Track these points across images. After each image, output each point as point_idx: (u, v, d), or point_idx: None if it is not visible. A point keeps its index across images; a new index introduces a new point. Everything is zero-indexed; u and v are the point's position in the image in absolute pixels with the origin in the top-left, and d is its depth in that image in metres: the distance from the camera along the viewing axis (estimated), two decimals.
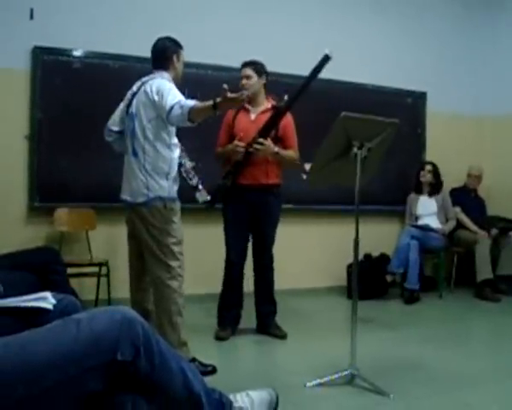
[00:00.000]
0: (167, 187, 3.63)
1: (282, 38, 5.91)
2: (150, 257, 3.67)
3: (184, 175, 3.83)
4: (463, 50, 7.13)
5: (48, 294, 2.20)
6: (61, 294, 2.35)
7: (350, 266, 6.03)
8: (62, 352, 1.71)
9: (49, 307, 2.16)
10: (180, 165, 3.79)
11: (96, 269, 5.05)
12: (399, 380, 3.55)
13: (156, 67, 3.77)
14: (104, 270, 5.04)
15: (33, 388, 1.66)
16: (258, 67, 4.46)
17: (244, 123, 4.43)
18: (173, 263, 3.64)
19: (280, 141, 4.42)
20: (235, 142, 4.30)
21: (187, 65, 5.04)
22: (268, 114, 4.44)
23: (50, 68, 5.09)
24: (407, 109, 6.77)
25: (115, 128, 3.86)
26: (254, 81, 4.42)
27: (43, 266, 3.84)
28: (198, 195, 3.90)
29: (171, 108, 3.40)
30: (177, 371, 1.90)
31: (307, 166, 3.54)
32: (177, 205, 3.72)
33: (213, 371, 3.65)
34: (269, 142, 4.29)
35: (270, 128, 4.32)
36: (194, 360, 3.64)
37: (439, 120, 6.89)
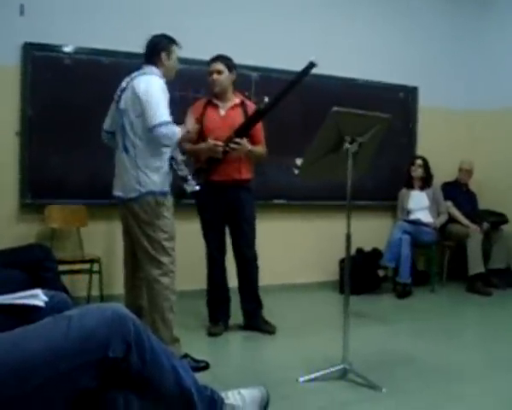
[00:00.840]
0: (159, 182, 3.63)
1: (269, 34, 5.90)
2: (142, 253, 3.67)
3: (175, 167, 3.81)
4: (455, 45, 7.14)
5: (39, 291, 2.20)
6: (53, 291, 2.34)
7: (342, 261, 6.03)
8: (53, 349, 1.70)
9: (41, 304, 2.15)
10: (171, 158, 3.78)
11: (87, 266, 5.03)
12: (392, 374, 3.57)
13: (146, 61, 3.77)
14: (96, 267, 5.03)
15: (25, 385, 1.66)
16: (228, 61, 4.43)
17: (214, 119, 4.40)
18: (164, 259, 3.63)
19: (248, 137, 4.38)
20: (213, 141, 4.22)
21: (181, 61, 5.06)
22: (237, 110, 4.45)
23: (41, 64, 5.06)
24: (398, 104, 6.78)
25: (108, 129, 3.89)
26: (225, 76, 4.39)
27: (34, 264, 3.83)
28: (186, 185, 3.84)
29: (158, 126, 3.45)
30: (168, 367, 1.90)
31: (299, 162, 3.55)
32: (169, 200, 3.72)
33: (206, 366, 3.66)
34: (244, 141, 4.28)
35: (247, 128, 4.30)
36: (186, 356, 3.64)
37: (431, 114, 6.90)
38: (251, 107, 4.50)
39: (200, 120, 4.38)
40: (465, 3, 7.17)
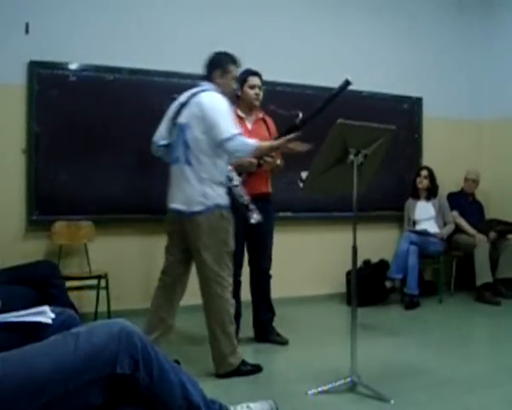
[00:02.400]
0: (223, 195, 3.68)
1: (274, 45, 5.92)
2: (203, 267, 3.69)
3: (233, 190, 3.87)
4: (459, 55, 7.15)
5: (46, 308, 2.20)
6: (60, 308, 2.34)
7: (349, 273, 6.01)
8: (62, 366, 1.71)
9: (48, 321, 2.15)
10: (229, 179, 3.84)
11: (95, 282, 5.03)
12: (401, 386, 3.55)
13: (204, 78, 3.85)
14: (103, 282, 5.03)
15: (33, 403, 1.66)
16: (262, 79, 4.51)
17: (243, 132, 4.43)
18: (225, 274, 3.70)
19: None
20: (246, 159, 4.15)
21: (181, 75, 5.09)
22: (261, 124, 4.54)
23: (46, 82, 5.10)
24: (403, 115, 6.78)
25: (163, 142, 3.88)
26: (262, 92, 4.49)
27: (41, 280, 3.85)
28: (250, 214, 3.91)
29: (228, 139, 3.52)
30: (176, 382, 1.89)
31: (304, 175, 3.55)
32: (230, 214, 3.75)
33: (259, 369, 3.82)
34: (275, 155, 4.33)
35: None
36: (243, 362, 3.76)
37: (436, 124, 6.90)
38: (270, 122, 4.59)
39: None
40: (469, 14, 7.18)
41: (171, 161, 3.83)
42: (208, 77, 3.84)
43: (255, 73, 4.50)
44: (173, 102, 3.90)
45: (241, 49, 5.56)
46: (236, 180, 3.96)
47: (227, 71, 3.84)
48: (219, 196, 3.65)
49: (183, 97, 3.81)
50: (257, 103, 4.49)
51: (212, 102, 3.64)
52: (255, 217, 3.92)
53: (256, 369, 3.82)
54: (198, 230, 3.63)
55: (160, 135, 3.91)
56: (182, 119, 3.73)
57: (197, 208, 3.61)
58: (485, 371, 3.95)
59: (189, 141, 3.66)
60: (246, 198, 3.94)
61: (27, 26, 5.04)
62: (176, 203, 3.74)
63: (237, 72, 3.95)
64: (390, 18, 6.74)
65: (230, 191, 3.84)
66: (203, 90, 3.74)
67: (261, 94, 4.48)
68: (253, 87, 4.46)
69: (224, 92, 3.79)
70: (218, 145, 3.58)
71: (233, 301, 3.77)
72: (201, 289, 3.77)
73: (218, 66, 3.83)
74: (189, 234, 3.70)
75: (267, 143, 3.90)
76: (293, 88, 6.00)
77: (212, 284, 3.67)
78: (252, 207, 3.93)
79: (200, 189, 3.61)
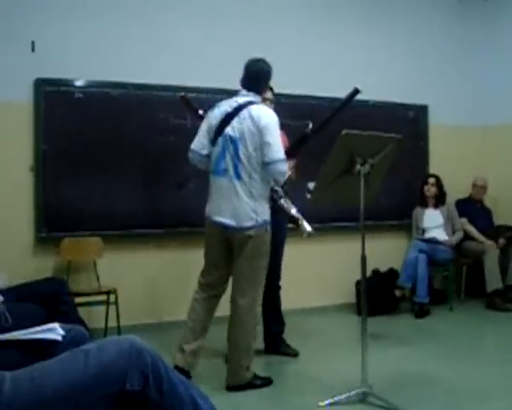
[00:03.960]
0: (269, 210, 3.72)
1: (278, 56, 5.92)
2: (243, 280, 3.71)
3: (280, 204, 3.90)
4: (463, 61, 7.14)
5: (56, 325, 2.20)
6: (70, 324, 2.35)
7: (358, 283, 5.99)
8: (72, 383, 1.70)
9: (58, 338, 2.16)
10: (272, 191, 3.85)
11: (104, 297, 5.03)
12: (413, 396, 3.53)
13: (250, 88, 3.77)
14: (112, 298, 5.03)
15: None
16: (272, 90, 4.50)
17: None
18: (260, 289, 3.74)
19: None
20: None
21: (187, 89, 5.08)
22: None
23: (53, 99, 5.13)
24: (409, 123, 6.77)
25: (205, 152, 3.82)
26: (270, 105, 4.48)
27: (50, 297, 3.85)
28: (302, 228, 3.88)
29: (278, 161, 3.56)
30: (186, 398, 1.88)
31: (311, 185, 3.56)
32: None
33: (270, 382, 3.83)
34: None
35: (292, 153, 4.34)
36: (255, 376, 3.77)
37: (442, 132, 6.88)
38: (283, 134, 4.56)
39: None
40: (473, 21, 7.18)
41: (214, 172, 3.76)
42: (256, 87, 3.78)
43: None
44: (213, 110, 3.83)
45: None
46: (281, 192, 3.96)
47: (269, 83, 3.89)
48: (266, 212, 3.68)
49: (226, 106, 3.73)
50: None
51: (267, 120, 3.62)
52: (308, 230, 3.88)
53: (266, 382, 3.82)
54: (247, 244, 3.64)
55: (201, 145, 3.83)
56: (232, 131, 3.66)
57: (248, 224, 3.62)
58: (498, 379, 3.93)
59: (241, 155, 3.61)
60: (293, 209, 3.94)
61: (33, 44, 5.08)
62: (222, 217, 3.70)
63: None
64: (394, 27, 6.75)
65: (277, 205, 3.88)
66: (251, 102, 3.68)
67: (271, 107, 4.46)
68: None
69: (265, 103, 3.83)
70: (265, 164, 3.59)
71: (259, 319, 3.81)
72: (234, 300, 3.76)
73: (269, 77, 3.85)
74: (236, 247, 3.70)
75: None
76: (298, 99, 5.99)
77: (248, 297, 3.69)
78: (302, 218, 3.91)
79: (251, 204, 3.61)
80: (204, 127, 3.84)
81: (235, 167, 3.62)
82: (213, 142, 3.74)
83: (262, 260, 3.71)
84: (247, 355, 3.70)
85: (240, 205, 3.62)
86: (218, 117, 3.74)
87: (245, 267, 3.67)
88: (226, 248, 3.77)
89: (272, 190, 3.85)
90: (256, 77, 3.80)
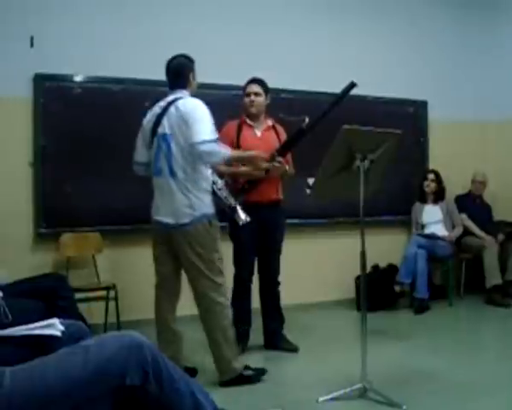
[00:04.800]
0: (209, 204, 3.70)
1: (277, 52, 5.93)
2: (198, 276, 3.70)
3: (219, 194, 3.90)
4: (463, 57, 7.13)
5: (56, 321, 2.20)
6: (69, 320, 2.35)
7: (358, 279, 6.00)
8: (72, 379, 1.71)
9: (58, 333, 2.16)
10: (212, 182, 3.85)
11: (104, 293, 5.03)
12: (412, 391, 3.53)
13: (175, 86, 3.80)
14: (112, 293, 5.03)
15: None
16: (265, 85, 4.52)
17: (252, 139, 4.43)
18: (220, 279, 3.71)
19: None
20: (260, 153, 4.11)
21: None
22: (271, 132, 4.53)
23: (52, 95, 5.12)
24: (408, 119, 6.76)
25: (144, 160, 3.87)
26: (262, 99, 4.46)
27: (50, 293, 3.85)
28: (236, 217, 3.94)
29: (201, 143, 3.49)
30: (186, 393, 1.89)
31: (310, 181, 3.55)
32: (217, 221, 3.78)
33: (264, 372, 3.84)
34: (283, 161, 4.34)
35: (289, 148, 4.37)
36: (247, 367, 3.78)
37: (441, 127, 6.88)
38: (280, 130, 4.57)
39: (235, 142, 4.41)
40: (474, 16, 7.16)
41: (153, 173, 3.79)
42: (182, 83, 3.79)
43: (252, 81, 4.52)
44: (147, 114, 3.87)
45: (246, 58, 5.65)
46: (220, 183, 3.98)
47: (194, 72, 3.86)
48: (205, 205, 3.66)
49: (157, 108, 3.79)
50: (252, 110, 4.47)
51: (193, 107, 3.61)
52: (242, 218, 3.95)
53: (260, 373, 3.83)
54: (188, 241, 3.64)
55: (140, 154, 3.89)
56: (162, 129, 3.69)
57: (185, 220, 3.62)
58: (498, 374, 3.93)
59: (173, 151, 3.63)
60: (231, 200, 3.96)
61: (32, 39, 5.07)
62: (162, 216, 3.74)
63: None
64: (394, 22, 6.74)
65: (216, 195, 3.88)
66: (180, 98, 3.70)
67: (258, 100, 4.46)
68: (248, 95, 4.48)
69: (194, 96, 3.79)
70: (190, 146, 3.55)
71: (229, 306, 3.81)
72: (197, 299, 3.77)
73: (191, 69, 3.84)
74: (179, 245, 3.70)
75: (238, 153, 3.97)
76: (297, 94, 5.99)
77: (209, 291, 3.68)
78: (238, 208, 3.96)
79: (185, 200, 3.61)
80: (140, 136, 3.90)
81: (169, 165, 3.64)
82: (150, 145, 3.78)
83: (212, 253, 3.68)
84: (229, 346, 3.70)
85: (176, 202, 3.64)
86: (150, 120, 3.80)
87: (197, 263, 3.66)
88: (170, 245, 3.77)
89: (213, 183, 3.87)
90: (177, 73, 3.83)
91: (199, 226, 3.62)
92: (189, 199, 3.61)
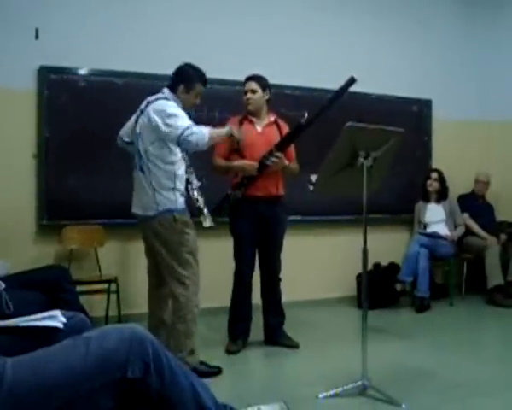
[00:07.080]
0: (175, 200, 3.74)
1: (280, 48, 5.93)
2: (164, 268, 3.80)
3: (191, 194, 3.97)
4: (467, 56, 7.11)
5: (57, 312, 2.21)
6: (71, 312, 2.35)
7: (359, 276, 6.01)
8: (73, 371, 1.71)
9: (59, 325, 2.16)
10: (187, 182, 3.91)
11: (105, 286, 5.04)
12: (412, 389, 3.54)
13: (168, 85, 3.88)
14: (114, 286, 5.04)
15: (44, 407, 1.66)
16: (262, 81, 4.49)
17: (251, 135, 4.43)
18: (186, 272, 3.74)
19: (284, 153, 4.43)
20: (247, 162, 4.31)
21: None
22: (272, 127, 4.52)
23: (56, 87, 5.12)
24: (413, 117, 6.75)
25: (126, 139, 4.04)
26: (259, 95, 4.45)
27: (52, 285, 3.85)
28: (202, 219, 4.03)
29: (181, 135, 3.58)
30: (187, 386, 1.89)
31: (313, 178, 3.55)
32: (188, 216, 3.82)
33: (219, 371, 3.82)
34: (283, 156, 4.35)
35: (287, 143, 4.39)
36: (202, 363, 3.80)
37: (445, 127, 6.87)
38: (283, 126, 4.58)
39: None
40: (479, 15, 7.15)
41: (132, 167, 3.94)
42: (172, 87, 3.85)
43: (248, 78, 4.51)
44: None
45: (247, 53, 5.64)
46: (195, 184, 4.04)
47: (192, 87, 3.86)
48: (170, 202, 3.71)
49: (142, 105, 3.85)
50: (249, 108, 4.47)
51: (159, 110, 3.67)
52: (207, 222, 4.02)
53: (216, 371, 3.83)
54: (154, 233, 3.76)
55: (125, 132, 4.06)
56: (138, 128, 3.82)
57: (150, 213, 3.74)
58: (497, 374, 3.93)
59: (140, 149, 3.77)
60: (201, 203, 4.03)
61: (37, 31, 5.07)
62: (135, 208, 3.91)
63: (202, 89, 3.94)
64: (398, 20, 6.72)
65: (189, 194, 3.96)
66: (158, 99, 3.77)
67: (254, 97, 4.45)
68: (245, 93, 4.49)
69: (184, 107, 3.81)
70: (178, 144, 3.67)
71: (197, 301, 3.80)
72: (167, 290, 3.84)
73: (185, 80, 3.84)
74: (148, 237, 3.86)
75: (220, 129, 3.93)
76: (301, 91, 5.99)
77: (175, 283, 3.74)
78: (205, 211, 4.02)
79: (152, 195, 3.72)
80: (132, 119, 3.98)
81: (139, 162, 3.79)
82: (132, 138, 3.95)
83: (179, 247, 3.72)
84: (187, 341, 3.72)
85: (144, 196, 3.77)
86: (136, 115, 3.90)
87: (164, 255, 3.75)
88: (145, 238, 3.93)
89: (187, 182, 3.94)
90: (175, 75, 3.90)
91: (162, 220, 3.71)
92: (154, 195, 3.71)
